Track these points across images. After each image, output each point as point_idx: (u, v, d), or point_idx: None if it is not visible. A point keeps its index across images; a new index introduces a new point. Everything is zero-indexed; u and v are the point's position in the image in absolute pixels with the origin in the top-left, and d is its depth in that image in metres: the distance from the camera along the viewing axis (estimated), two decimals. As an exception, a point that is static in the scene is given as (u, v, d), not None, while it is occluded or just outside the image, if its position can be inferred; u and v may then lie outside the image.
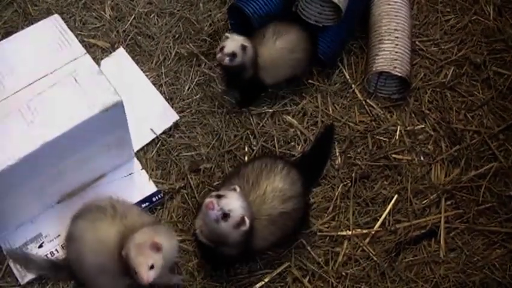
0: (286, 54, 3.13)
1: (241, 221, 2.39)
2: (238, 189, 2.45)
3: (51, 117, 2.55)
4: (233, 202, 2.39)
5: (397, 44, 3.24)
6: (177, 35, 3.36)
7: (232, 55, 2.95)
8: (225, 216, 2.36)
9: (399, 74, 3.17)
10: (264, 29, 3.16)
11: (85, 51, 2.76)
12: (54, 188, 2.80)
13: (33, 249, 2.76)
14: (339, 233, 2.86)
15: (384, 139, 3.13)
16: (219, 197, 2.38)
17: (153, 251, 2.32)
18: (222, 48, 2.95)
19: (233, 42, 2.98)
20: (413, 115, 3.24)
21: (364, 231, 2.88)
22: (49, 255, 2.75)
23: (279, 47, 3.11)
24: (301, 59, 3.18)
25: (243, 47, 2.98)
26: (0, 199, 2.60)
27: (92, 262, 2.49)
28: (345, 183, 2.99)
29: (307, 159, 2.96)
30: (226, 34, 3.03)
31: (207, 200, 2.37)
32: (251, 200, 2.53)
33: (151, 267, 2.31)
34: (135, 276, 2.32)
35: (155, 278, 2.33)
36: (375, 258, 2.81)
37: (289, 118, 3.16)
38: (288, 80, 3.24)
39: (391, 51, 3.22)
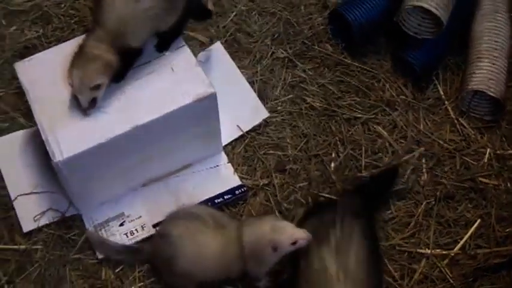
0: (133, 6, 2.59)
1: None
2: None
3: (144, 102, 2.64)
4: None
5: (494, 64, 3.19)
6: (276, 35, 3.39)
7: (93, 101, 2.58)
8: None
9: (494, 95, 3.12)
10: None
11: (184, 43, 2.81)
12: (141, 171, 2.87)
13: (114, 226, 2.84)
14: (417, 250, 2.83)
15: (472, 161, 3.09)
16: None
17: None
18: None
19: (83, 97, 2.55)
20: (504, 139, 3.18)
21: (444, 252, 2.83)
22: (129, 234, 2.83)
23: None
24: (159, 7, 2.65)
25: (96, 87, 2.54)
26: (88, 176, 2.69)
27: (185, 269, 2.55)
28: (429, 200, 2.96)
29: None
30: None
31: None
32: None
33: None
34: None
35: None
36: (452, 281, 2.76)
37: (379, 128, 3.15)
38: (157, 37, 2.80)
39: (488, 71, 3.17)
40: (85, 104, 2.55)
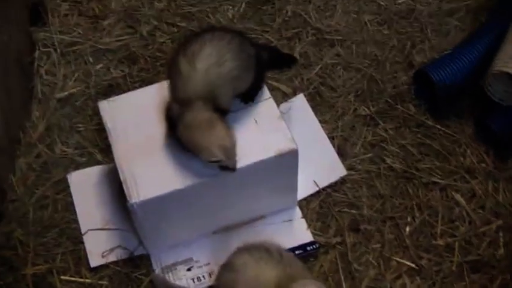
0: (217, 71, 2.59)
1: None
2: None
3: (226, 153, 2.65)
4: None
5: None
6: (359, 91, 3.37)
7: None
8: None
9: None
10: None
11: (270, 95, 2.81)
12: (213, 219, 2.87)
13: (182, 271, 2.83)
14: (491, 327, 2.75)
15: (553, 239, 2.99)
16: None
17: None
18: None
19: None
20: None
21: (518, 331, 2.75)
22: (195, 280, 2.81)
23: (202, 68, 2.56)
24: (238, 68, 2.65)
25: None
26: (161, 219, 2.71)
27: None
28: (504, 276, 2.85)
29: None
30: None
31: None
32: None
33: None
34: None
35: None
36: None
37: (457, 196, 3.07)
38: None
39: None
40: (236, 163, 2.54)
